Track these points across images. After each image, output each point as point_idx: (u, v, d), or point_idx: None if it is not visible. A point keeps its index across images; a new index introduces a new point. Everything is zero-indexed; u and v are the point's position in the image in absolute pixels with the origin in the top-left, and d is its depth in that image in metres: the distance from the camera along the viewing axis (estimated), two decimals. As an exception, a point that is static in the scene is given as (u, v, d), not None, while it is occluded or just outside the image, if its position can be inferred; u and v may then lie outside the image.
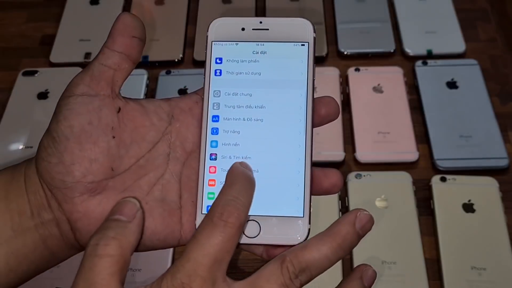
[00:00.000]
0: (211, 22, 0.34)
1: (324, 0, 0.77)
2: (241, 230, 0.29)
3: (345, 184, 0.59)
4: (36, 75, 0.70)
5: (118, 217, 0.29)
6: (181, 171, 0.33)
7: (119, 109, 0.32)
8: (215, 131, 0.33)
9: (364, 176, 0.60)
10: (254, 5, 0.77)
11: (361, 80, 0.68)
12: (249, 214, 0.31)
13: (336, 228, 0.29)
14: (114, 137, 0.31)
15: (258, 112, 0.33)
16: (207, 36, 0.34)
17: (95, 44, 0.74)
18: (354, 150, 0.63)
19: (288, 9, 0.76)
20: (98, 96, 0.31)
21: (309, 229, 0.31)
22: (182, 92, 0.68)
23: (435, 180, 0.59)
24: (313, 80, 0.33)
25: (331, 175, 0.33)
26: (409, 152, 0.62)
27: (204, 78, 0.33)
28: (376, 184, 0.59)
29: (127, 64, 0.32)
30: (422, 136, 0.64)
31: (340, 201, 0.58)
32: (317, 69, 0.34)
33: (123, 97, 0.32)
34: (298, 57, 0.33)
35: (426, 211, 0.58)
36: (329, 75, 0.68)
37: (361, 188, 0.59)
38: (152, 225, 0.31)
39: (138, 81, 0.69)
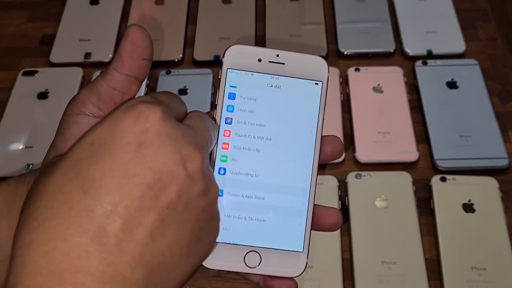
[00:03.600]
0: (228, 48, 0.33)
1: (324, 0, 0.77)
2: None
3: (345, 184, 0.59)
4: (36, 75, 0.70)
5: None
6: None
7: None
8: (224, 158, 0.32)
9: (364, 176, 0.60)
10: (254, 5, 0.77)
11: (361, 80, 0.68)
12: (251, 245, 0.32)
13: None
14: None
15: (268, 144, 0.33)
16: (222, 62, 0.33)
17: (95, 44, 0.74)
18: (354, 150, 0.63)
19: (288, 9, 0.76)
20: None
21: (306, 263, 0.32)
22: (182, 92, 0.68)
23: (435, 180, 0.59)
24: (323, 119, 0.33)
25: (332, 213, 0.33)
26: (409, 152, 0.62)
27: (217, 104, 0.33)
28: (376, 184, 0.59)
29: (136, 86, 0.31)
30: (422, 136, 0.64)
31: (340, 201, 0.58)
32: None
33: None
34: (311, 95, 0.33)
35: (426, 211, 0.58)
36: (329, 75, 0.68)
37: (361, 188, 0.59)
38: None
39: (138, 81, 0.69)
